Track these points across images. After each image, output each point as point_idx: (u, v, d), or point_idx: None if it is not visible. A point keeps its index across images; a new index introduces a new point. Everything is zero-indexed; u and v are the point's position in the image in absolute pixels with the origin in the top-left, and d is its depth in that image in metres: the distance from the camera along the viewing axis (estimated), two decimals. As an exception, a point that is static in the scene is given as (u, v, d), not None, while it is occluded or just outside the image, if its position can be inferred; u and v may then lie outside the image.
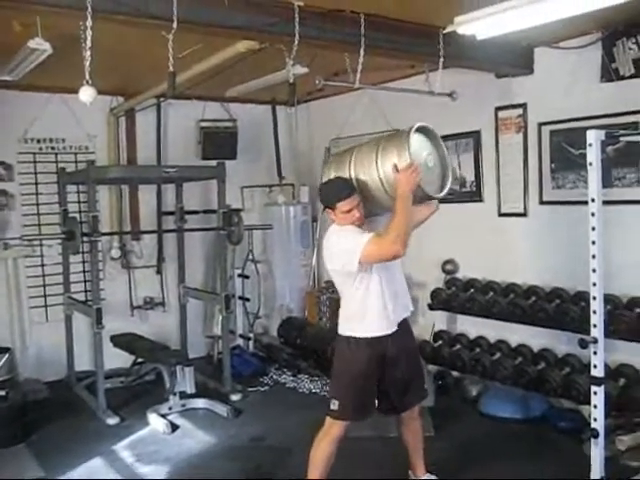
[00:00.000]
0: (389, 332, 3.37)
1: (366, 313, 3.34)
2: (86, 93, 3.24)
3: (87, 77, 3.20)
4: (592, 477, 3.40)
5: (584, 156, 3.43)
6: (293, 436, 4.54)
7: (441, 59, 4.34)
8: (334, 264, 3.34)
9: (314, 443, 3.40)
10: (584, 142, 3.38)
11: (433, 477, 3.72)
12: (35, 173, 6.11)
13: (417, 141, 3.37)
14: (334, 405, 3.37)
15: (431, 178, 3.38)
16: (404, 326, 3.51)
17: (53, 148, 6.22)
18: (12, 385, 5.26)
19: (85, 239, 5.26)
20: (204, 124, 6.88)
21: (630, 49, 4.34)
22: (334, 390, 3.48)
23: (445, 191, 3.42)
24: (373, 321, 3.34)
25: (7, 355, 5.36)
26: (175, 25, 3.31)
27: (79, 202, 6.15)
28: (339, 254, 3.28)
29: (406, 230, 3.14)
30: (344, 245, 3.26)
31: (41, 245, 6.12)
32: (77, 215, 5.80)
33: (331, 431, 3.36)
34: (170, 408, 5.21)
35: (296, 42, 3.72)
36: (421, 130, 3.43)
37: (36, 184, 6.11)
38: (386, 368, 3.41)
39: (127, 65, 5.16)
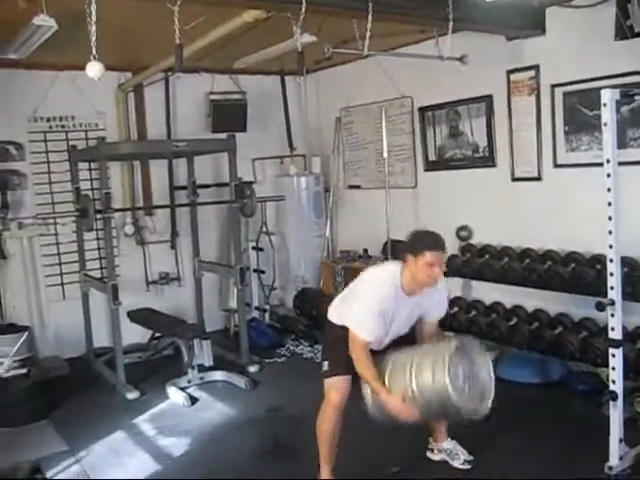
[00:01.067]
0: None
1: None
2: (93, 68, 3.23)
3: (94, 52, 3.18)
4: (611, 439, 3.42)
5: (598, 117, 3.40)
6: (310, 406, 4.49)
7: (450, 22, 4.26)
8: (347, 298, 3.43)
9: (318, 417, 3.41)
10: (598, 103, 3.35)
11: (453, 442, 3.74)
12: (46, 152, 6.10)
13: (455, 364, 3.16)
14: (325, 367, 3.40)
15: (467, 398, 3.21)
16: None
17: (63, 126, 6.20)
18: (32, 363, 5.32)
19: (98, 216, 5.28)
20: (213, 97, 6.84)
21: (645, 5, 4.23)
22: (324, 355, 3.52)
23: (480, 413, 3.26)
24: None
25: (26, 333, 5.40)
26: (180, -3, 3.28)
27: (91, 179, 6.16)
28: (353, 302, 3.32)
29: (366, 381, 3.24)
30: (362, 305, 3.26)
31: (55, 224, 6.14)
32: (90, 192, 5.80)
33: (330, 399, 3.35)
34: (189, 381, 5.27)
35: (303, 9, 3.65)
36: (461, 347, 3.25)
37: (48, 163, 6.11)
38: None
39: (134, 40, 5.12)
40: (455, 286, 5.75)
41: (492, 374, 3.31)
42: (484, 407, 3.24)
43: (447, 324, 5.44)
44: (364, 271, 3.52)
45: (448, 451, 3.72)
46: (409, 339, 3.48)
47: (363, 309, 3.23)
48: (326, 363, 3.41)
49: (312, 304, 6.56)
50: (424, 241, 3.27)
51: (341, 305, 3.49)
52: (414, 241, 3.31)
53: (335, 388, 3.36)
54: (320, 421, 3.40)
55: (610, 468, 3.41)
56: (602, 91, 3.31)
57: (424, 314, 3.47)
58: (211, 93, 6.86)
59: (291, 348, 6.19)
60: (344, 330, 3.31)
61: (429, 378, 3.13)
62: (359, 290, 3.36)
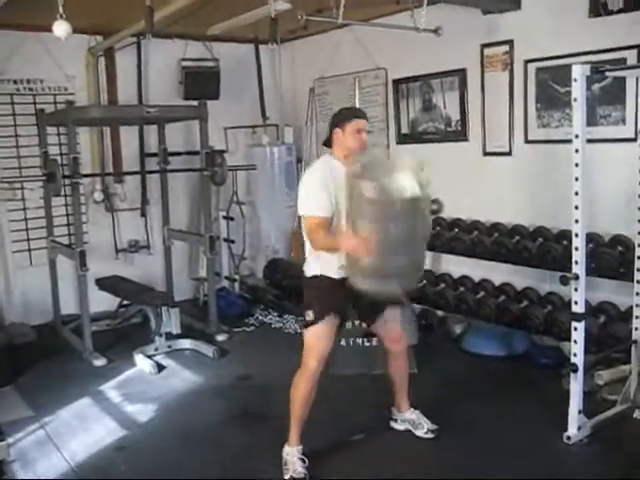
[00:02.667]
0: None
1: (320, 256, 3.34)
2: (60, 27, 3.17)
3: (60, 11, 3.11)
4: (570, 410, 3.50)
5: (570, 94, 3.41)
6: (278, 375, 4.53)
7: (426, -7, 4.25)
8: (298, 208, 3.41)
9: (293, 382, 3.43)
10: (570, 80, 3.36)
11: (417, 412, 3.79)
12: (13, 115, 5.97)
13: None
14: (308, 316, 3.38)
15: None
16: None
17: (31, 89, 6.06)
18: (-2, 328, 5.29)
19: (67, 182, 5.20)
20: (186, 63, 6.73)
21: (620, -18, 4.24)
22: (305, 305, 3.45)
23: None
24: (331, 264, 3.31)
25: (-8, 299, 5.37)
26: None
27: (60, 144, 6.04)
28: (299, 200, 3.35)
29: (323, 249, 3.24)
30: (302, 197, 3.33)
31: (22, 188, 6.02)
32: (58, 157, 5.70)
33: (307, 365, 3.37)
34: (156, 349, 5.26)
35: (277, -25, 3.61)
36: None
37: (15, 126, 5.97)
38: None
39: (105, 2, 5.00)
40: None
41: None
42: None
43: (415, 297, 5.50)
44: None
45: (412, 421, 3.77)
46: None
47: (304, 193, 3.32)
48: (310, 312, 3.38)
49: (282, 274, 6.58)
50: (347, 113, 3.52)
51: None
52: (339, 116, 3.49)
53: (312, 352, 3.35)
54: (295, 387, 3.42)
55: (568, 437, 3.50)
56: (573, 67, 3.33)
57: None
58: (183, 60, 6.74)
59: (260, 318, 6.20)
60: (317, 279, 3.38)
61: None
62: (301, 190, 3.38)
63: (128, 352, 5.19)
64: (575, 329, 3.47)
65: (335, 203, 3.20)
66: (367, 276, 3.06)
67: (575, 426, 3.50)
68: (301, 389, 3.40)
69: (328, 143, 3.47)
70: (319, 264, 3.37)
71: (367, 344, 4.77)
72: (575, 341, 3.47)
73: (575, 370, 3.48)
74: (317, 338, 3.37)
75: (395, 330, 3.64)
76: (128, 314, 5.99)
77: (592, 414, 3.61)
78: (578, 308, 3.44)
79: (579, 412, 3.51)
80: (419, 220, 3.13)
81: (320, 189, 3.25)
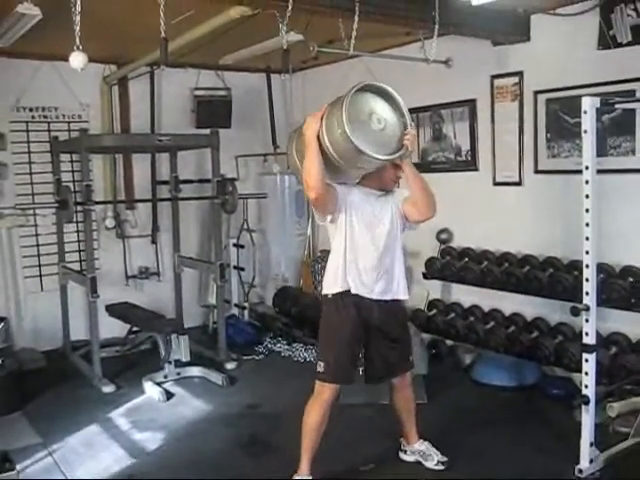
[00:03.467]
0: (369, 297, 3.39)
1: (338, 270, 3.40)
2: (77, 59, 3.21)
3: (77, 42, 3.16)
4: (582, 442, 3.46)
5: (580, 125, 3.43)
6: (287, 403, 4.57)
7: (436, 26, 4.30)
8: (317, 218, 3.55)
9: (306, 409, 3.42)
10: (580, 110, 3.38)
11: (426, 443, 3.76)
12: (28, 142, 6.05)
13: (365, 101, 3.20)
14: (320, 367, 3.40)
15: (381, 140, 3.15)
16: (395, 305, 3.53)
17: (46, 117, 6.16)
18: (8, 354, 5.28)
19: (79, 208, 5.25)
20: (198, 92, 6.82)
21: (628, 15, 4.27)
22: (320, 352, 3.51)
23: (397, 154, 3.20)
24: (347, 278, 3.38)
25: (2, 324, 5.38)
26: (166, -10, 3.26)
27: (72, 171, 6.09)
28: None
29: (309, 172, 3.20)
30: None
31: (35, 215, 6.09)
32: (71, 184, 5.76)
33: (321, 396, 3.38)
34: (165, 376, 5.25)
35: (289, 7, 3.67)
36: (375, 91, 3.26)
37: (29, 153, 6.05)
38: (371, 335, 3.45)
39: (120, 32, 5.08)
40: (434, 288, 5.80)
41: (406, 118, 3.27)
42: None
43: (425, 326, 5.49)
44: None
45: (421, 452, 3.74)
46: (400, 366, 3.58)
47: None
48: (322, 364, 3.39)
49: (291, 302, 6.57)
50: None
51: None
52: None
53: (328, 388, 3.38)
54: (307, 414, 3.41)
55: (580, 471, 3.45)
56: (583, 98, 3.35)
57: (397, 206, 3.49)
58: (196, 89, 6.83)
59: (269, 346, 6.18)
60: (333, 311, 3.42)
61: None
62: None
63: (137, 379, 5.18)
64: (586, 360, 3.44)
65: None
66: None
67: (587, 459, 3.45)
68: (313, 417, 3.39)
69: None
70: (338, 279, 3.40)
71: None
72: (586, 373, 3.45)
73: (586, 402, 3.44)
74: (332, 385, 3.39)
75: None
76: (137, 341, 5.98)
77: (604, 447, 3.56)
78: (589, 339, 3.42)
79: (591, 445, 3.47)
80: None
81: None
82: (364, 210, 3.39)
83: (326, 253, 6.80)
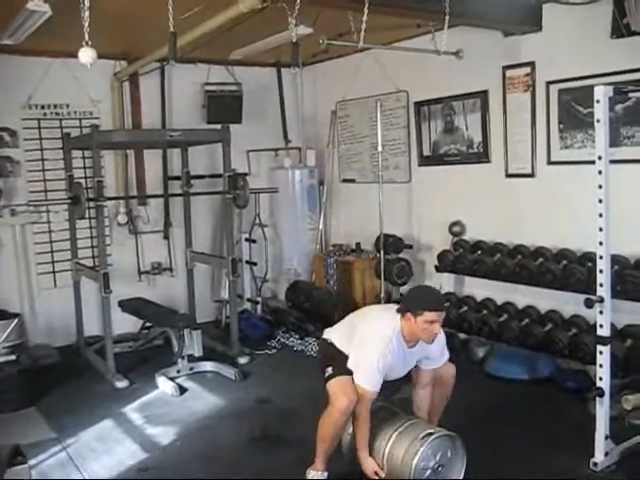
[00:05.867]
0: None
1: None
2: (86, 54, 3.21)
3: (86, 38, 3.16)
4: (597, 435, 3.43)
5: (593, 115, 3.39)
6: (299, 398, 4.58)
7: (447, 17, 4.26)
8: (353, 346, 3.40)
9: (321, 419, 3.34)
10: (592, 100, 3.34)
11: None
12: (40, 139, 6.08)
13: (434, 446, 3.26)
14: (328, 371, 3.36)
15: None
16: None
17: (57, 114, 6.18)
18: (22, 350, 5.33)
19: (91, 204, 5.27)
20: (209, 88, 6.82)
21: (643, 3, 4.22)
22: (325, 363, 3.45)
23: None
24: None
25: (17, 320, 5.39)
26: (174, -17, 3.25)
27: (84, 168, 6.14)
28: (359, 353, 3.33)
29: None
30: (369, 352, 3.27)
31: (48, 211, 6.12)
32: (83, 180, 5.79)
33: (337, 404, 3.25)
34: (178, 371, 5.26)
35: (298, 0, 3.64)
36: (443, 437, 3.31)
37: (41, 150, 6.08)
38: None
39: (129, 28, 5.10)
40: (447, 281, 5.77)
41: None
42: None
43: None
44: (364, 312, 3.70)
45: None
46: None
47: (370, 366, 3.25)
48: (329, 368, 3.37)
49: (304, 297, 6.56)
50: (424, 300, 3.28)
51: (344, 339, 3.47)
52: (414, 299, 3.34)
53: (343, 391, 3.26)
54: (322, 424, 3.33)
55: (595, 464, 3.43)
56: (595, 88, 3.31)
57: (422, 361, 3.50)
58: (207, 84, 6.83)
59: (282, 340, 6.18)
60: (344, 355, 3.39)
61: (400, 456, 3.23)
62: (365, 342, 3.33)
63: (150, 374, 5.19)
64: (600, 353, 3.41)
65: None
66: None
67: (602, 452, 3.43)
68: (329, 428, 3.31)
69: (402, 312, 3.32)
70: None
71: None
72: (601, 365, 3.41)
73: (601, 395, 3.41)
74: (341, 385, 3.31)
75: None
76: (150, 336, 6.00)
77: (619, 440, 3.53)
78: (603, 331, 3.39)
79: (606, 438, 3.44)
80: None
81: (384, 369, 3.26)
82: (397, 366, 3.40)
83: (339, 247, 6.81)
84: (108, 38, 4.48)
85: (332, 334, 3.59)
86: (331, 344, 3.51)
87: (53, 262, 6.19)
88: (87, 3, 3.08)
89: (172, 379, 5.13)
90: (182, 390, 4.99)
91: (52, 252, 6.18)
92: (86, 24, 3.15)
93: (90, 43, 3.22)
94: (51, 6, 3.76)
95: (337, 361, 3.39)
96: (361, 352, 3.31)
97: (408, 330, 3.28)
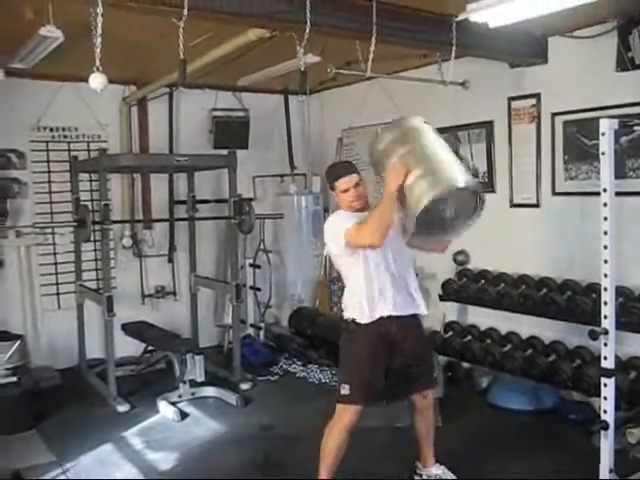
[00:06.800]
0: (388, 314, 3.38)
1: (362, 297, 3.37)
2: (96, 80, 3.23)
3: (97, 64, 3.19)
4: (601, 469, 3.39)
5: (597, 147, 3.40)
6: (302, 425, 4.55)
7: (453, 47, 4.31)
8: (330, 248, 3.45)
9: (325, 432, 3.39)
10: (597, 132, 3.35)
11: (442, 467, 3.71)
12: (48, 161, 6.13)
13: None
14: (344, 390, 3.36)
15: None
16: (414, 321, 3.52)
17: (65, 137, 6.23)
18: (24, 372, 5.31)
19: (96, 227, 5.29)
20: (216, 113, 6.89)
21: (646, 37, 4.27)
22: (343, 375, 3.48)
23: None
24: (370, 305, 3.36)
25: (19, 342, 5.40)
26: (185, 12, 3.29)
27: (91, 190, 6.16)
28: (330, 239, 3.40)
29: (381, 225, 3.18)
30: (332, 230, 3.38)
31: (53, 233, 6.14)
32: (89, 203, 5.82)
33: (342, 419, 3.35)
34: (180, 396, 5.24)
35: (307, 30, 3.69)
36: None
37: (49, 172, 6.13)
38: (392, 353, 3.42)
39: (139, 54, 5.16)
40: (451, 310, 5.75)
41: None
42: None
43: (441, 348, 5.45)
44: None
45: (437, 477, 3.68)
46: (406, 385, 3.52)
47: (332, 227, 3.39)
48: (347, 387, 3.37)
49: (307, 323, 6.54)
50: (334, 173, 3.50)
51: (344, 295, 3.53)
52: (328, 176, 3.55)
53: (350, 411, 3.34)
54: (326, 438, 3.38)
55: (599, 498, 3.38)
56: (600, 120, 3.32)
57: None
58: (214, 109, 6.90)
59: (284, 367, 6.15)
60: (354, 334, 3.40)
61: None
62: (328, 233, 3.44)
63: (152, 398, 5.17)
64: (605, 385, 3.38)
65: None
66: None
67: (606, 485, 3.39)
68: (332, 442, 3.35)
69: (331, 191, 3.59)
70: (356, 305, 3.39)
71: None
72: (605, 397, 3.38)
73: (605, 427, 3.38)
74: (354, 407, 3.36)
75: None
76: (153, 360, 5.99)
77: (623, 473, 3.49)
78: (608, 364, 3.36)
79: (610, 471, 3.39)
80: None
81: (346, 220, 3.32)
82: None
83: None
84: (118, 64, 4.52)
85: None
86: (342, 323, 3.53)
87: (57, 284, 6.20)
88: (99, 29, 3.11)
89: (173, 404, 5.11)
90: (183, 415, 4.96)
91: (56, 274, 6.19)
92: (97, 50, 3.19)
93: (101, 69, 3.25)
94: (63, 32, 3.81)
95: (354, 371, 3.40)
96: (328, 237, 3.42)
97: (341, 204, 3.47)
